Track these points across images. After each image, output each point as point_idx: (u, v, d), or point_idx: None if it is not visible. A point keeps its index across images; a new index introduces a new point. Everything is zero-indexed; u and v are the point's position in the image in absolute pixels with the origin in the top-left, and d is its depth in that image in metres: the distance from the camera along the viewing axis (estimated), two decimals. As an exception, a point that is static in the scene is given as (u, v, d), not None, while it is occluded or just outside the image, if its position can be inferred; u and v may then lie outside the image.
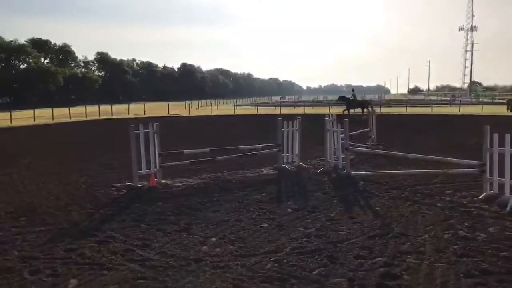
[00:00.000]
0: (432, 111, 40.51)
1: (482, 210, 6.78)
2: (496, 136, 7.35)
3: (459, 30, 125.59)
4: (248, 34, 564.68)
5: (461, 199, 7.50)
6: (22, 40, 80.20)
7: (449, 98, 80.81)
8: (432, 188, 8.38)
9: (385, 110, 43.09)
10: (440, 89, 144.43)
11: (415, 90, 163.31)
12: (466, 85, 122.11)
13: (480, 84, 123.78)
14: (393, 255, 5.01)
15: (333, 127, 10.81)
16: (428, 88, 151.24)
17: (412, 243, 5.37)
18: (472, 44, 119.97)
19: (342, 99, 33.14)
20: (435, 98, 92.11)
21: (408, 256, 4.96)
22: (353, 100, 31.81)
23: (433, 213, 6.68)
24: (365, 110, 30.03)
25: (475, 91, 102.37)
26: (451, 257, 4.93)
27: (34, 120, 32.07)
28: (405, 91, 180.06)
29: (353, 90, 32.61)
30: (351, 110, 31.35)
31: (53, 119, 33.43)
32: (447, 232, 5.78)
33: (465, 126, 23.07)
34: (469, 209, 6.86)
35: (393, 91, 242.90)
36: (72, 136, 20.56)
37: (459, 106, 43.86)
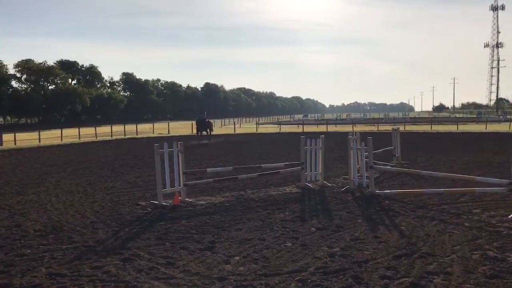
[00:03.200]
0: (458, 128, 39.85)
1: (511, 230, 6.60)
2: (524, 154, 7.19)
3: (485, 46, 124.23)
4: (273, 53, 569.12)
5: (489, 219, 7.32)
6: (51, 62, 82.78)
7: (475, 116, 79.44)
8: (459, 207, 8.21)
9: (409, 128, 42.60)
10: (466, 107, 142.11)
11: (440, 108, 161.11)
12: (492, 102, 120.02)
13: (507, 101, 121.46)
14: (420, 275, 4.91)
15: (357, 145, 10.74)
16: (454, 105, 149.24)
17: (439, 263, 5.26)
18: (498, 61, 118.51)
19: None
20: (461, 115, 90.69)
21: (435, 277, 4.85)
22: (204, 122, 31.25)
23: (460, 233, 6.54)
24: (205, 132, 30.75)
25: (502, 108, 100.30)
26: (480, 278, 4.81)
27: (61, 140, 32.81)
28: (430, 109, 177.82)
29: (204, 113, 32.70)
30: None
31: (79, 139, 34.14)
32: (475, 252, 5.65)
33: (492, 144, 22.60)
34: (498, 229, 6.69)
35: (417, 109, 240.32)
36: (98, 155, 20.93)
37: (486, 124, 43.02)
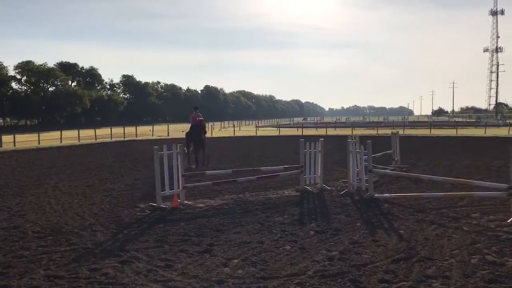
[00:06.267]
0: (457, 133, 39.87)
1: (510, 235, 6.60)
2: (523, 159, 7.19)
3: (484, 51, 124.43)
4: (273, 56, 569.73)
5: (488, 223, 7.32)
6: (51, 63, 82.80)
7: (474, 120, 79.52)
8: (458, 211, 8.21)
9: (408, 131, 42.63)
10: (465, 111, 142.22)
11: (439, 112, 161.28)
12: (491, 107, 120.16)
13: (506, 105, 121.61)
14: (418, 279, 4.90)
15: (356, 149, 10.75)
16: (453, 109, 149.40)
17: (438, 267, 5.26)
18: (498, 65, 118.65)
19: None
20: (460, 120, 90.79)
21: (434, 281, 4.85)
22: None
23: (459, 237, 6.54)
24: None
25: (501, 112, 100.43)
26: (479, 282, 4.80)
27: (61, 142, 32.79)
28: (429, 113, 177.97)
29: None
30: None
31: (79, 141, 34.13)
32: (474, 256, 5.64)
33: (492, 148, 22.61)
34: (497, 233, 6.69)
35: (416, 113, 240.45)
36: (98, 157, 20.92)
37: (485, 128, 43.05)
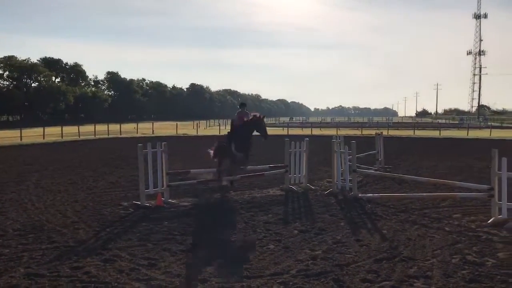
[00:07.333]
0: (440, 134, 40.36)
1: (490, 235, 6.71)
2: (504, 160, 7.31)
3: (467, 54, 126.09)
4: (259, 55, 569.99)
5: (469, 224, 7.43)
6: (34, 59, 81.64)
7: (457, 122, 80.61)
8: (440, 212, 8.31)
9: (393, 132, 43.02)
10: (448, 113, 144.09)
11: (423, 113, 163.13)
12: (474, 109, 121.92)
13: (488, 108, 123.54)
14: (400, 279, 4.95)
15: (340, 149, 10.80)
16: (436, 111, 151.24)
17: (419, 267, 5.32)
18: (480, 68, 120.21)
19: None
20: (443, 121, 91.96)
21: (416, 281, 4.90)
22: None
23: (441, 237, 6.62)
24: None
25: (484, 115, 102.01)
26: (460, 282, 4.87)
27: (43, 138, 32.36)
28: (413, 114, 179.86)
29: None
30: None
31: (62, 137, 33.70)
32: (455, 256, 5.72)
33: (474, 149, 22.94)
34: (478, 234, 6.79)
35: (400, 114, 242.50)
36: (81, 154, 20.69)
37: (467, 130, 43.67)
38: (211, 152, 11.89)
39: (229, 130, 11.78)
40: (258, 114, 11.09)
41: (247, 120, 10.97)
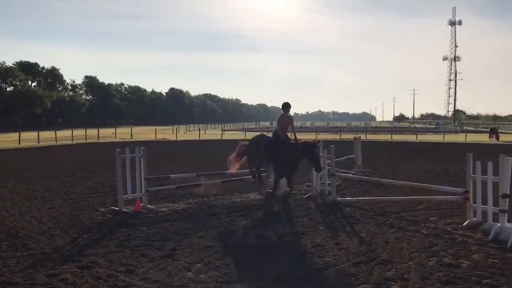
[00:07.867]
0: (417, 138, 41.00)
1: (466, 237, 6.84)
2: (479, 164, 7.46)
3: (443, 59, 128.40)
4: (239, 60, 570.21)
5: (445, 226, 7.56)
6: (10, 63, 80.00)
7: (433, 126, 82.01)
8: (417, 215, 8.44)
9: (371, 137, 43.51)
10: (425, 117, 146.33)
11: (400, 118, 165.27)
12: (450, 113, 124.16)
13: (464, 112, 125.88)
14: (378, 281, 5.01)
15: (319, 153, 10.86)
16: (413, 116, 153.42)
17: (397, 270, 5.38)
18: (456, 74, 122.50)
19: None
20: (420, 126, 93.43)
21: (393, 283, 4.96)
22: None
23: (417, 240, 6.72)
24: None
25: (459, 119, 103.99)
26: (436, 284, 4.95)
27: (19, 143, 31.72)
28: (391, 119, 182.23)
29: None
30: None
31: (38, 142, 33.08)
32: (431, 259, 5.81)
33: (450, 153, 23.36)
34: (453, 236, 6.91)
35: (378, 119, 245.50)
36: (58, 160, 20.35)
37: (444, 134, 44.46)
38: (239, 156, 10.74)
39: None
40: (314, 139, 9.49)
41: (301, 144, 9.26)
